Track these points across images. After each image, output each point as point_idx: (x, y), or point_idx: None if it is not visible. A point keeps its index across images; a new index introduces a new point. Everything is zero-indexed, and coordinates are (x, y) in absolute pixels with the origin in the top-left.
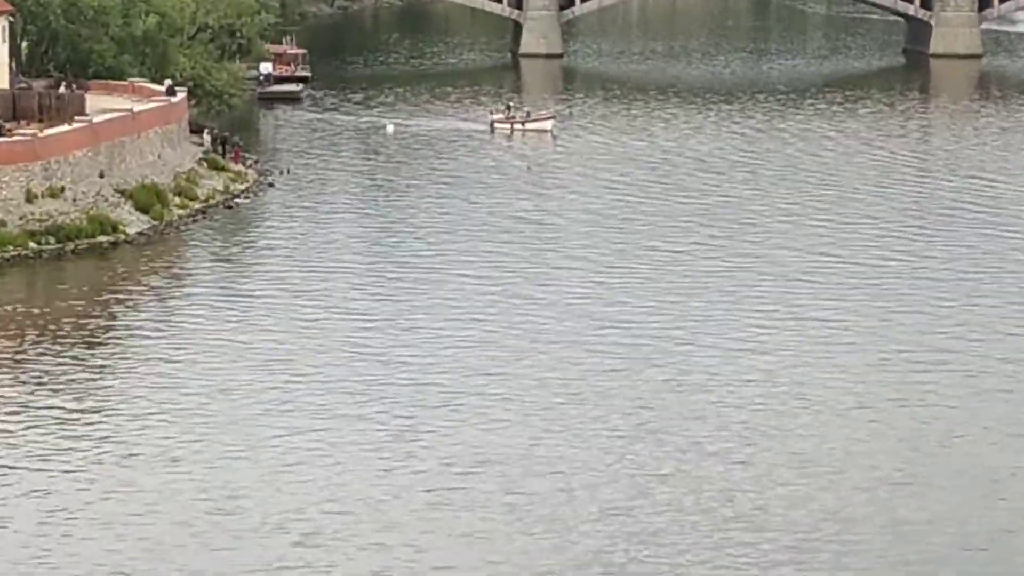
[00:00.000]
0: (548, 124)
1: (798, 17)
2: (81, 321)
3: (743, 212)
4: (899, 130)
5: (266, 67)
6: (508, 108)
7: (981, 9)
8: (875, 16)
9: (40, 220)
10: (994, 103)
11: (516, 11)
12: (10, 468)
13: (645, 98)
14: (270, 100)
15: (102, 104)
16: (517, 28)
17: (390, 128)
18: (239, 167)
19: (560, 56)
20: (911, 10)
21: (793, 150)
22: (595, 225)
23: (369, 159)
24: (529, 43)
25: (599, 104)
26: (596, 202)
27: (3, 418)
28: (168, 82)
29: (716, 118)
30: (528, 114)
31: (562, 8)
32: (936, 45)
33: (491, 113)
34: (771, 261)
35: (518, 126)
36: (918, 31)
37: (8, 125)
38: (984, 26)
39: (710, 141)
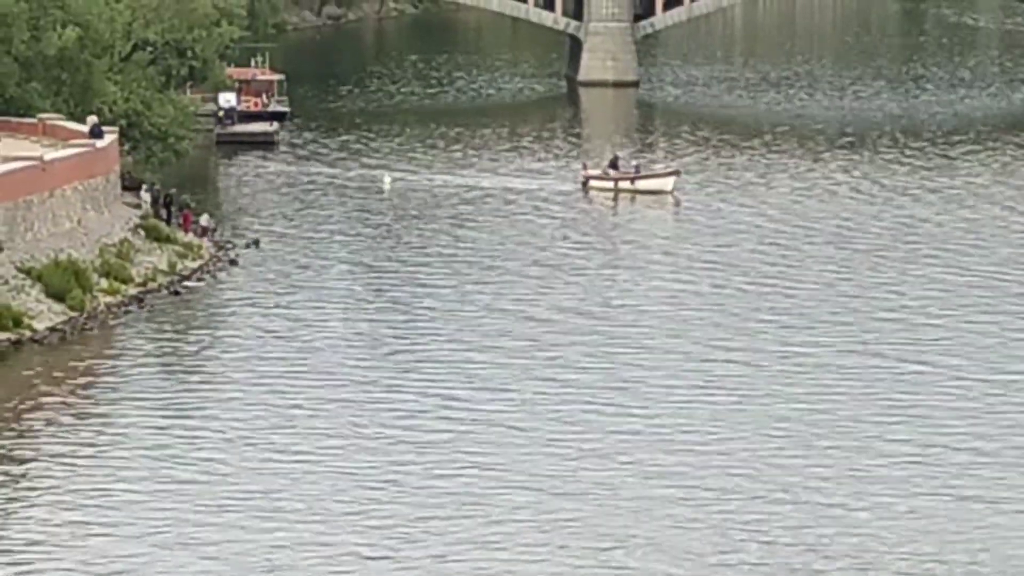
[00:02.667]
0: (669, 182)
1: (961, 32)
2: None
3: (904, 322)
4: None
5: (228, 99)
6: (614, 161)
7: None
8: None
9: None
10: None
11: (574, 23)
12: None
13: (757, 143)
14: (233, 144)
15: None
16: (575, 46)
17: (387, 183)
18: (190, 237)
19: (635, 84)
20: None
21: (958, 216)
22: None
23: (368, 228)
24: (592, 66)
25: (695, 152)
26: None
27: None
28: (93, 119)
29: (856, 170)
30: (638, 168)
31: (637, 19)
32: None
33: (584, 167)
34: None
35: (625, 184)
36: None
37: None
38: None
39: (853, 205)
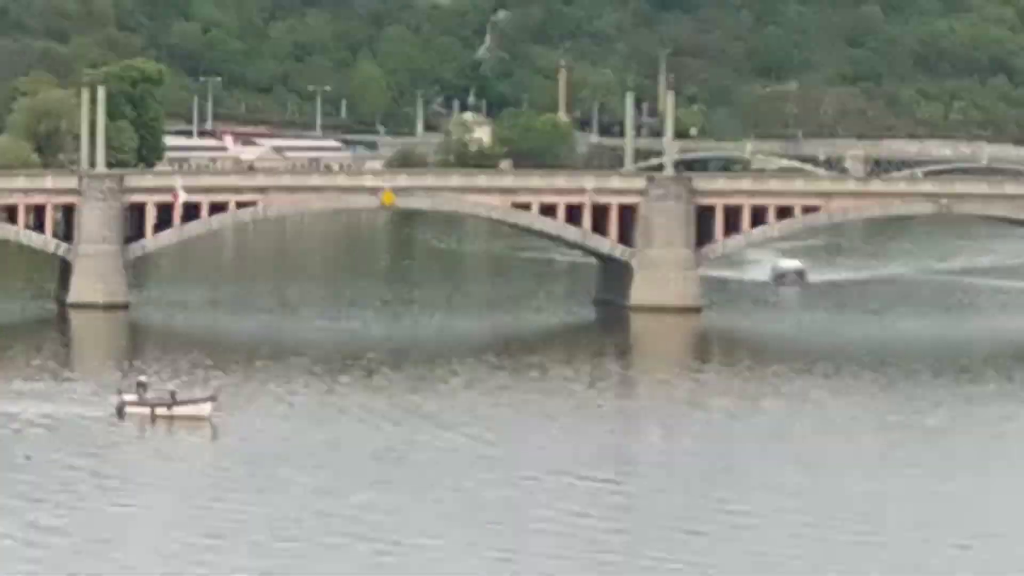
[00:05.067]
0: (205, 408)
1: (448, 257)
2: None
3: None
4: (589, 418)
5: None
6: (140, 385)
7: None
8: (560, 257)
9: None
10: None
11: (64, 245)
12: None
13: (244, 366)
14: None
15: None
16: (66, 268)
17: None
18: None
19: (124, 307)
20: (606, 247)
21: (447, 440)
22: None
23: None
24: (82, 288)
25: (187, 374)
26: None
27: None
28: None
29: (349, 393)
30: (173, 394)
31: (128, 241)
32: (639, 294)
33: (120, 392)
34: None
35: (162, 410)
36: (614, 276)
37: None
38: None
39: (351, 428)
